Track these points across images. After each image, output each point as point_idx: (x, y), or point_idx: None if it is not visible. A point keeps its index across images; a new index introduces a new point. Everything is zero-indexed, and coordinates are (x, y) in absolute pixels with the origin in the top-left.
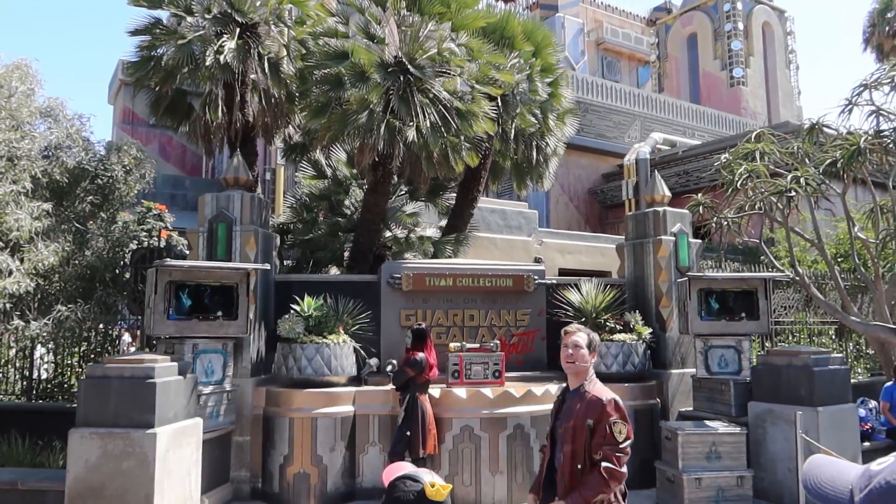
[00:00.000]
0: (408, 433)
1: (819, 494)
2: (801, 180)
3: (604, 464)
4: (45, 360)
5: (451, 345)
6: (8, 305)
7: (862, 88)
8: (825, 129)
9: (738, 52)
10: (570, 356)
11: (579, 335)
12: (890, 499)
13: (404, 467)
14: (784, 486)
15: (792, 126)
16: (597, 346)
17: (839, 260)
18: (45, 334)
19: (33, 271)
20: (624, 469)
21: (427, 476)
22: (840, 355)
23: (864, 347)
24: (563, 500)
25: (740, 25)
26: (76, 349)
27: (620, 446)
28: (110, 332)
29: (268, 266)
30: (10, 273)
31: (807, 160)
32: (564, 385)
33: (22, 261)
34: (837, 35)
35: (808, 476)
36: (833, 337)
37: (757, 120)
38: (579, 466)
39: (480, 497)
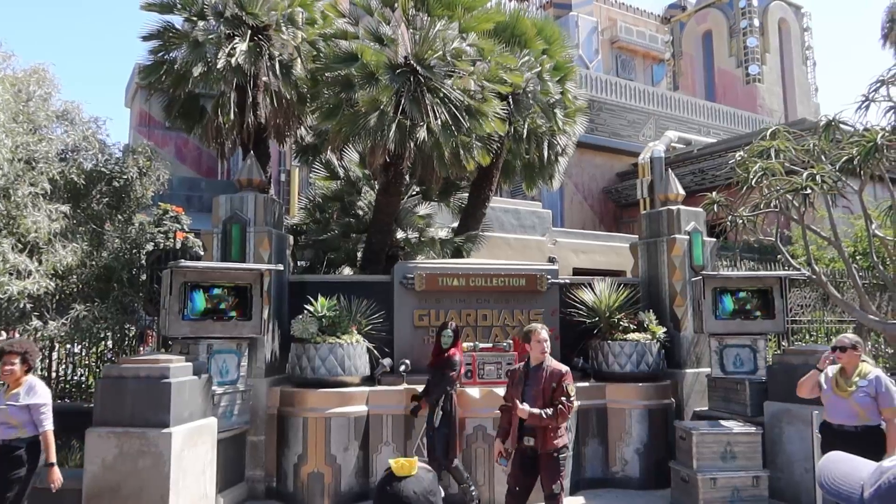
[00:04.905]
0: (446, 431)
1: (833, 491)
2: (818, 178)
3: (559, 406)
4: (70, 359)
5: (465, 344)
6: (28, 306)
7: (879, 84)
8: (842, 126)
9: (754, 49)
10: (544, 348)
11: (544, 332)
12: None
13: None
14: (801, 487)
15: (808, 123)
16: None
17: (857, 258)
18: (62, 334)
19: (51, 272)
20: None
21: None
22: None
23: (882, 346)
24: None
25: (756, 22)
26: (93, 349)
27: (571, 397)
28: (127, 331)
29: (281, 266)
30: (30, 274)
31: (823, 157)
32: (524, 363)
33: (40, 262)
34: (856, 31)
35: (824, 472)
36: None
37: (773, 117)
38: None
39: (494, 496)
